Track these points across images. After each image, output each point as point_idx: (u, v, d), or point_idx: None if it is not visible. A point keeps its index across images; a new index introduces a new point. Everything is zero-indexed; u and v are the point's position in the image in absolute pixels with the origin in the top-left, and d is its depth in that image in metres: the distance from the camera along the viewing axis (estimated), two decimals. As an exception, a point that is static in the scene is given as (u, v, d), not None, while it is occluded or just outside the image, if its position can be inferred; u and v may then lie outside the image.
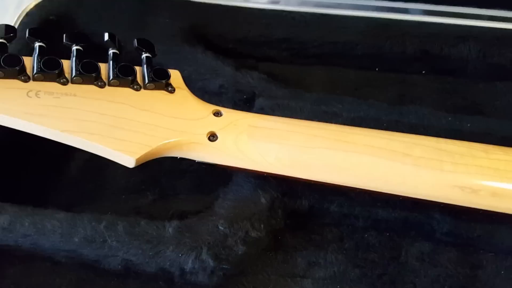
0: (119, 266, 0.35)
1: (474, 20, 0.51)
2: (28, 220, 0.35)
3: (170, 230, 0.35)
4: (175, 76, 0.38)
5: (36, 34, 0.35)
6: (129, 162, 0.34)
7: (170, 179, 0.42)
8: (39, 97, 0.33)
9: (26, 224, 0.35)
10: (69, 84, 0.34)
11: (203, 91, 0.45)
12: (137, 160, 0.34)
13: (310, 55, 0.51)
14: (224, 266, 0.35)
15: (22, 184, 0.41)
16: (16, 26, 0.47)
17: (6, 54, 0.33)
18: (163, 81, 0.37)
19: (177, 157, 0.36)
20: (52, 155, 0.42)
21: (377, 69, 0.52)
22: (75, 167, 0.43)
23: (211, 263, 0.34)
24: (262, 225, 0.37)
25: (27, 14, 0.49)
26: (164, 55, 0.45)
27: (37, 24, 0.47)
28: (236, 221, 0.36)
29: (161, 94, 0.37)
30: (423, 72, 0.51)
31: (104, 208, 0.39)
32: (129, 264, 0.35)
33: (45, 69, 0.33)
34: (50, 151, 0.40)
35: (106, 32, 0.37)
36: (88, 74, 0.34)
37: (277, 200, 0.38)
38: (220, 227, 0.36)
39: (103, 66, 0.36)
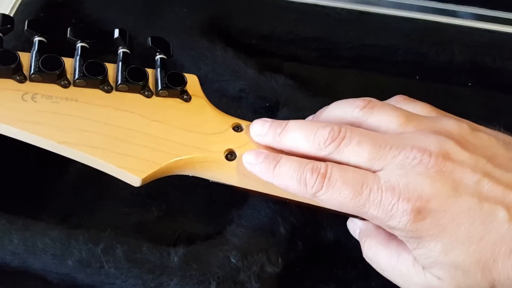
0: (117, 295, 0.32)
1: (535, 30, 0.46)
2: (17, 237, 0.31)
3: (175, 259, 0.31)
4: (192, 82, 0.33)
5: (36, 27, 0.30)
6: (134, 181, 0.30)
7: (179, 194, 0.38)
8: (35, 101, 0.29)
9: (15, 241, 0.31)
10: (71, 87, 0.30)
11: (221, 93, 0.41)
12: (143, 180, 0.30)
13: (343, 57, 0.47)
14: (234, 304, 0.31)
15: (15, 190, 0.37)
16: (14, 9, 0.42)
17: (0, 50, 0.29)
18: (178, 88, 0.32)
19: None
20: (48, 158, 0.38)
21: (417, 77, 0.47)
22: (74, 172, 0.38)
23: (219, 300, 0.31)
24: (279, 259, 0.33)
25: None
26: (179, 50, 0.41)
27: (39, 6, 0.42)
28: (250, 253, 0.32)
29: (175, 102, 0.32)
30: (469, 84, 0.47)
31: (104, 221, 0.36)
32: (128, 294, 0.31)
33: (44, 69, 0.29)
34: (46, 153, 0.36)
35: (116, 26, 0.32)
36: (93, 77, 0.30)
37: (299, 230, 0.34)
38: (232, 259, 0.32)
39: (110, 67, 0.31)
